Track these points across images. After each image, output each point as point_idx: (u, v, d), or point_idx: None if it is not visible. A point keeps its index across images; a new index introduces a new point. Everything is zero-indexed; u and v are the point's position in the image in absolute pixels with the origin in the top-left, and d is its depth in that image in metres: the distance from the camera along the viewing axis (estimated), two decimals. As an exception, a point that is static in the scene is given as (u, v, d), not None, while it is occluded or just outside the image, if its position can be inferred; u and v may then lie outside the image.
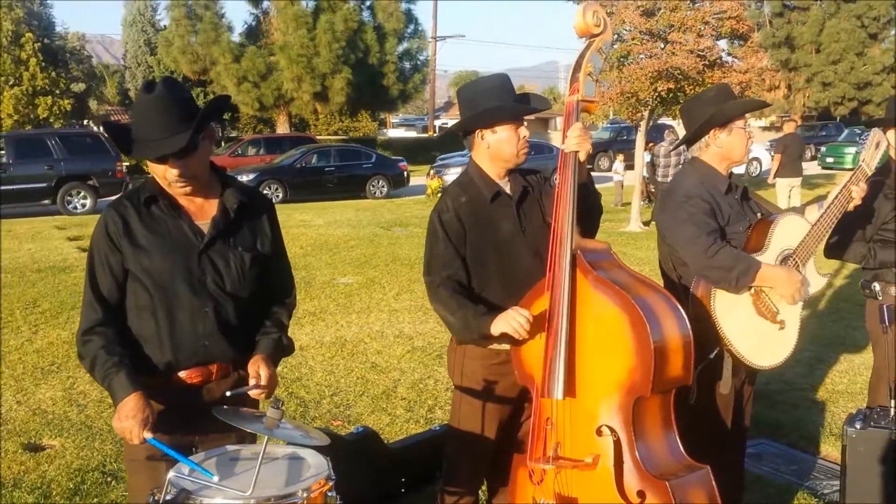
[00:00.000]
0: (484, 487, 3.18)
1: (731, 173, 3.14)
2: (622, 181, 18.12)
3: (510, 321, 2.53)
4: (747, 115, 3.19)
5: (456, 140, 23.84)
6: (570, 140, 2.64)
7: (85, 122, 37.36)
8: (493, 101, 2.73)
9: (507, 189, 2.81)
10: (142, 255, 2.31)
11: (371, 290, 8.75)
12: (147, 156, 2.25)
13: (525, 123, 2.79)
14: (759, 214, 3.13)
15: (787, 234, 2.97)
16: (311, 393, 5.39)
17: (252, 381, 2.30)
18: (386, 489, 3.64)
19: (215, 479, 1.93)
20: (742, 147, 3.06)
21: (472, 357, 2.81)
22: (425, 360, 6.11)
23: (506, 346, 2.72)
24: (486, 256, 2.75)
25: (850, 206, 3.09)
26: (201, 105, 2.33)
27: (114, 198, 2.53)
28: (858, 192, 3.06)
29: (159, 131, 2.21)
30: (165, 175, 2.26)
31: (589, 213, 2.75)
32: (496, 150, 2.76)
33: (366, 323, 7.34)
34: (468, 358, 2.82)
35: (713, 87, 3.30)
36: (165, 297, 2.31)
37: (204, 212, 2.38)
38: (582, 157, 2.64)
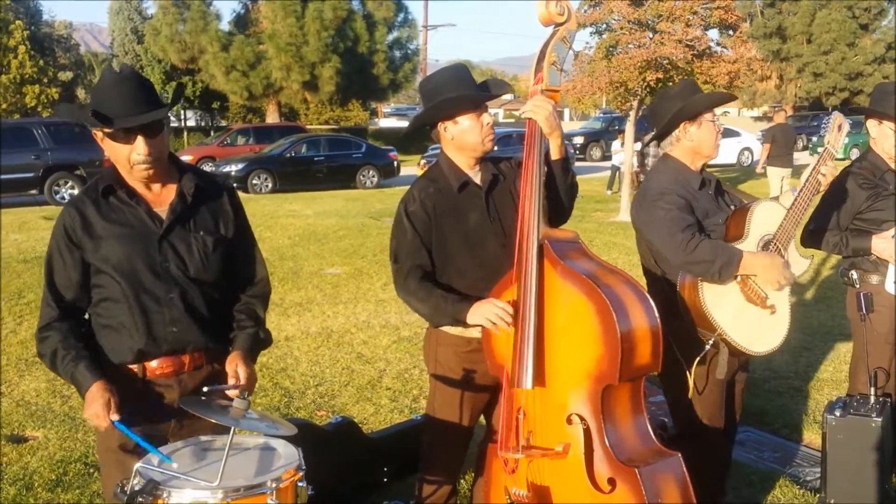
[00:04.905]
0: (468, 476, 3.19)
1: (703, 169, 3.13)
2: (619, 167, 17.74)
3: (487, 314, 2.53)
4: (716, 110, 3.19)
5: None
6: (527, 105, 2.61)
7: (73, 111, 37.10)
8: (452, 92, 2.70)
9: (477, 179, 2.79)
10: (102, 246, 2.29)
11: (359, 281, 8.73)
12: (131, 124, 2.19)
13: (488, 110, 2.76)
14: (732, 206, 3.13)
15: (764, 219, 2.97)
16: (295, 383, 5.38)
17: (231, 381, 2.28)
18: (367, 479, 3.63)
19: (175, 465, 1.92)
20: (712, 141, 3.06)
21: (446, 345, 2.81)
22: (411, 349, 6.10)
23: (477, 335, 2.72)
24: (453, 246, 2.74)
25: (823, 188, 3.10)
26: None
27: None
28: (829, 171, 3.06)
29: (131, 107, 2.19)
30: (130, 157, 2.24)
31: (561, 192, 2.72)
32: (461, 140, 2.74)
33: (352, 313, 7.32)
34: (441, 346, 2.82)
35: (679, 82, 3.30)
36: (131, 287, 2.29)
37: (161, 199, 2.36)
38: (544, 127, 2.59)
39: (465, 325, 2.65)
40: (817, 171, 3.06)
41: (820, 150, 3.20)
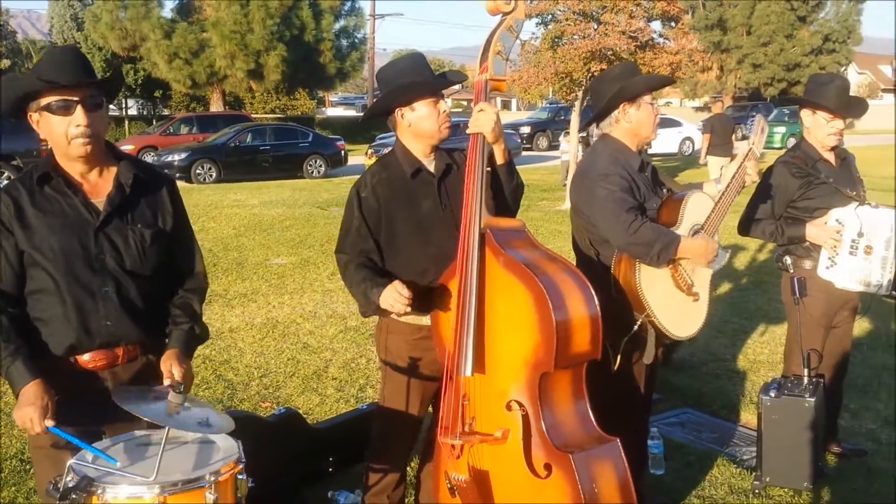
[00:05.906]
0: (414, 464, 3.20)
1: (642, 151, 3.20)
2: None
3: (388, 298, 2.55)
4: (655, 93, 3.27)
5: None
6: (471, 121, 2.64)
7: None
8: (410, 79, 2.72)
9: (431, 167, 2.81)
10: (35, 237, 2.23)
11: (305, 271, 8.66)
12: (72, 82, 2.17)
13: (445, 98, 2.78)
14: (665, 190, 3.23)
15: (696, 210, 3.09)
16: (239, 375, 5.32)
17: (166, 381, 2.23)
18: (312, 469, 3.62)
19: (118, 464, 1.88)
20: (650, 123, 3.13)
21: (395, 332, 2.83)
22: (358, 339, 6.08)
23: (427, 322, 2.73)
24: (403, 233, 2.75)
25: (748, 182, 3.21)
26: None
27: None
28: (752, 169, 3.18)
29: (72, 73, 2.17)
30: (68, 131, 2.19)
31: (506, 193, 2.75)
32: (417, 127, 2.75)
33: (298, 303, 7.26)
34: (391, 334, 2.84)
35: (618, 64, 3.37)
36: (64, 278, 2.23)
37: (98, 189, 2.31)
38: (489, 137, 2.61)
39: (386, 315, 2.66)
40: (743, 170, 3.17)
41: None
